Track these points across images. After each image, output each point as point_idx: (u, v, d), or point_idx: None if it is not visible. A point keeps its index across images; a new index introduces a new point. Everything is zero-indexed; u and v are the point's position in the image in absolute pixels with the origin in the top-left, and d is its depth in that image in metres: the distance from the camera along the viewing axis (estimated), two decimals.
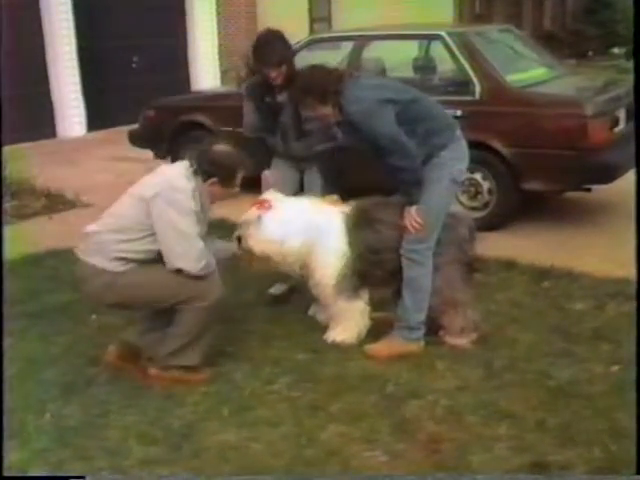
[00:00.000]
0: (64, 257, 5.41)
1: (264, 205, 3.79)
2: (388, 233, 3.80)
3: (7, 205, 6.73)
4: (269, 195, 3.88)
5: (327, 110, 3.72)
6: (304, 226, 3.77)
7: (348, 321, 3.92)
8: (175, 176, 3.46)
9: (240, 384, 3.56)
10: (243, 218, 3.81)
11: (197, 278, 3.43)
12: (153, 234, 3.42)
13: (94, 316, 4.32)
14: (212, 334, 3.62)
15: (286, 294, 4.52)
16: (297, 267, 3.84)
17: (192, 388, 3.52)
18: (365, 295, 3.92)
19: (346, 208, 3.87)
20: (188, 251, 3.39)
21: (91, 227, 3.55)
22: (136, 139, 7.82)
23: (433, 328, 3.87)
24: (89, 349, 3.94)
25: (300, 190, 4.48)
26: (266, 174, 4.35)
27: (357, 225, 3.81)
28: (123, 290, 3.45)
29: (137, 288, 3.46)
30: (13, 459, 3.02)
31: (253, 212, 3.79)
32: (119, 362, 3.71)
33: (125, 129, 8.23)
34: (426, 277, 3.76)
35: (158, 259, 3.45)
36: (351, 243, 3.79)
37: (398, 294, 3.85)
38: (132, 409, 3.38)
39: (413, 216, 3.70)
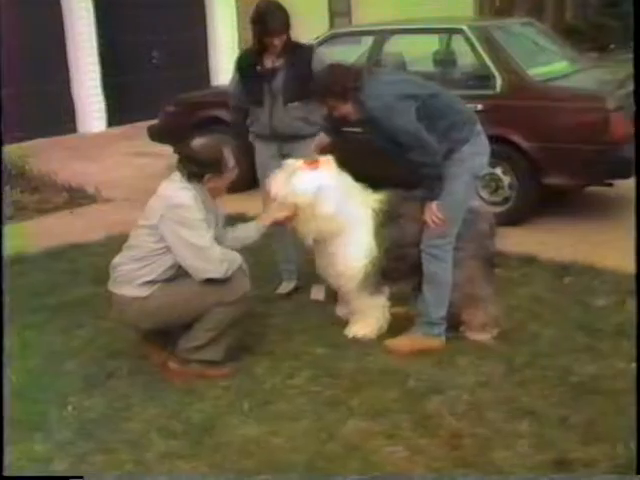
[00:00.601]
0: (85, 251, 5.49)
1: (312, 164, 3.77)
2: (409, 228, 3.80)
3: (28, 199, 6.80)
4: (323, 158, 3.85)
5: (347, 108, 3.71)
6: (340, 203, 3.73)
7: (370, 317, 3.92)
8: (173, 193, 3.46)
9: (260, 378, 3.57)
10: (287, 168, 3.79)
11: (224, 280, 3.45)
12: (169, 252, 3.45)
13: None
14: (239, 329, 3.64)
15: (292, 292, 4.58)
16: (312, 235, 3.78)
17: (213, 382, 3.53)
18: (386, 290, 3.92)
19: (374, 202, 3.84)
20: (207, 262, 3.41)
21: (115, 260, 3.61)
22: (156, 134, 7.84)
23: (454, 324, 3.86)
24: (110, 342, 3.97)
25: None
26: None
27: (384, 221, 3.81)
28: (156, 312, 3.48)
29: (169, 306, 3.48)
30: (37, 450, 3.05)
31: (299, 165, 3.76)
32: (145, 347, 3.73)
33: (145, 124, 8.27)
34: (447, 272, 3.75)
35: (183, 272, 3.48)
36: (378, 239, 3.79)
37: (418, 289, 3.84)
38: (153, 402, 3.39)
39: (434, 211, 3.69)
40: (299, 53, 4.24)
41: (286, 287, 4.60)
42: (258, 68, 4.25)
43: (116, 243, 4.92)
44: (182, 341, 3.60)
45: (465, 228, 3.79)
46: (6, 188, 6.74)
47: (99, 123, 10.80)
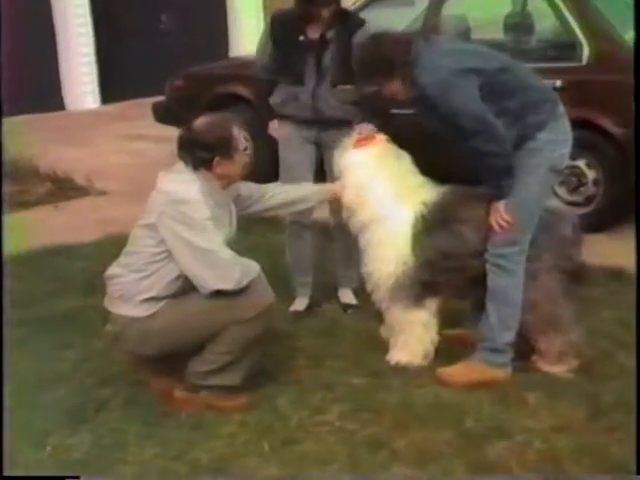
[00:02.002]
0: (73, 254, 5.55)
1: (363, 141, 3.94)
2: (470, 234, 3.80)
3: (4, 191, 6.86)
4: (379, 136, 3.97)
5: (396, 86, 3.73)
6: (378, 188, 3.85)
7: (407, 335, 3.94)
8: (175, 186, 3.50)
9: (284, 412, 3.59)
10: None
11: (239, 292, 3.48)
12: (173, 259, 3.49)
13: (109, 326, 4.39)
14: (259, 351, 3.69)
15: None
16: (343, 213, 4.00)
17: (226, 416, 3.56)
18: (432, 305, 3.92)
19: (422, 204, 3.85)
20: (215, 269, 3.43)
21: (111, 270, 3.65)
22: (162, 114, 7.92)
23: (524, 351, 3.86)
24: (102, 366, 4.01)
25: (320, 173, 4.53)
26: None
27: (430, 228, 3.81)
28: (162, 335, 3.52)
29: (175, 328, 3.52)
30: None
31: (350, 142, 3.97)
32: (144, 372, 3.78)
33: (148, 102, 8.36)
34: (517, 288, 3.75)
35: (191, 287, 3.51)
36: (416, 249, 3.80)
37: (480, 307, 3.84)
38: (153, 440, 3.42)
39: (501, 213, 3.69)
40: (352, 25, 4.29)
41: (301, 303, 4.66)
42: (301, 38, 4.30)
43: (112, 245, 5.02)
44: (192, 364, 3.63)
45: (542, 233, 3.78)
46: None
47: (91, 99, 10.94)
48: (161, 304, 3.52)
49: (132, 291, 3.53)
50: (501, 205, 3.69)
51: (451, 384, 3.76)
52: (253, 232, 5.30)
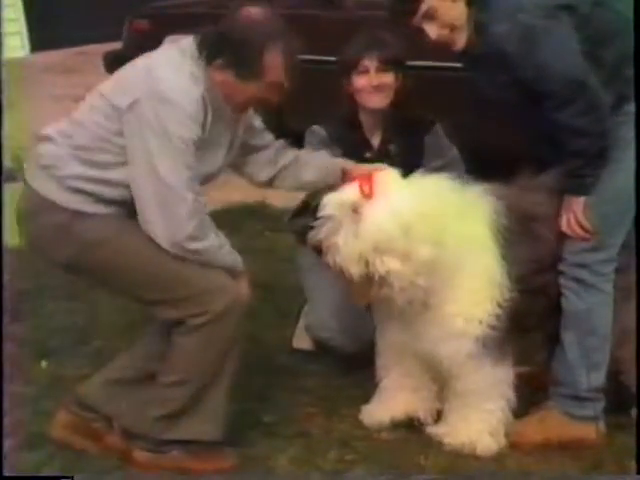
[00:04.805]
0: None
1: (367, 186, 3.74)
2: (543, 242, 3.88)
3: None
4: (376, 169, 3.88)
5: (457, 18, 3.71)
6: (436, 225, 3.70)
7: (493, 401, 3.88)
8: (168, 74, 3.53)
9: (287, 476, 3.69)
10: (326, 204, 3.82)
11: (201, 267, 3.55)
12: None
13: (44, 362, 4.61)
14: (231, 379, 3.73)
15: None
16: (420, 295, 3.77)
17: None
18: (511, 351, 3.91)
19: (491, 213, 3.83)
20: (165, 210, 3.47)
21: (46, 131, 3.70)
22: (118, 66, 8.01)
23: (621, 398, 3.90)
24: (33, 417, 4.12)
25: None
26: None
27: (512, 231, 3.81)
28: (86, 246, 3.58)
29: (110, 251, 3.59)
30: None
31: (347, 195, 3.78)
32: (71, 436, 3.87)
33: (95, 50, 8.42)
34: (604, 310, 3.80)
35: None
36: (507, 259, 3.77)
37: (554, 338, 3.91)
38: None
39: (577, 215, 3.72)
40: None
41: (308, 340, 4.70)
42: None
43: None
44: (148, 408, 3.71)
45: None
46: None
47: (17, 45, 10.99)
48: (100, 208, 3.58)
49: (64, 170, 3.58)
50: (579, 203, 3.73)
51: (521, 445, 3.83)
52: (244, 229, 5.34)
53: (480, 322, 3.74)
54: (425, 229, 3.63)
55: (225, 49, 3.53)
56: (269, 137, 4.06)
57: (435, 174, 3.90)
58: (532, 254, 3.82)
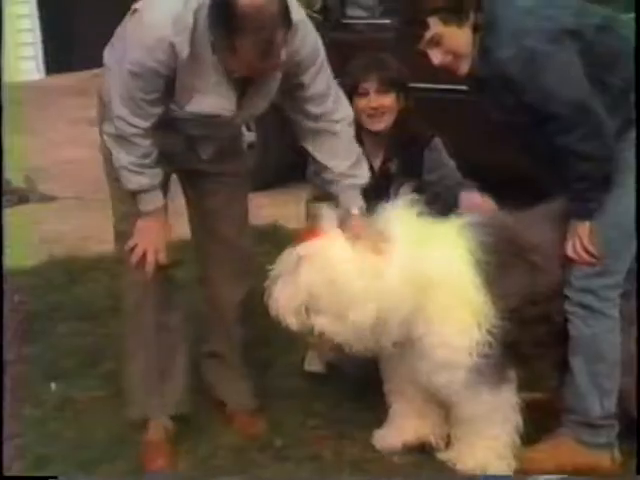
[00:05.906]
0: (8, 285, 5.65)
1: (308, 244, 3.80)
2: (551, 267, 3.85)
3: None
4: (327, 217, 3.88)
5: (463, 46, 3.72)
6: (405, 272, 3.72)
7: (497, 426, 3.89)
8: (156, 14, 3.59)
9: None
10: (278, 264, 3.85)
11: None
12: None
13: (53, 385, 4.57)
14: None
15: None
16: (389, 344, 3.82)
17: None
18: (513, 376, 3.89)
19: (472, 229, 3.84)
20: (119, 151, 3.69)
21: None
22: None
23: (634, 424, 3.87)
24: (41, 439, 4.10)
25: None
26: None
27: (501, 260, 3.80)
28: None
29: None
30: None
31: (298, 250, 3.81)
32: None
33: None
34: (611, 335, 3.78)
35: None
36: (494, 292, 3.76)
37: (562, 364, 3.89)
38: None
39: (583, 240, 3.71)
40: None
41: (318, 363, 4.68)
42: None
43: (58, 273, 5.25)
44: None
45: None
46: None
47: (33, 68, 10.99)
48: None
49: None
50: (584, 228, 3.71)
51: (534, 471, 3.80)
52: (256, 253, 5.14)
53: (469, 353, 3.74)
54: (364, 290, 3.66)
55: (212, 15, 3.52)
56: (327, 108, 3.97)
57: (417, 204, 3.88)
58: (525, 285, 3.82)
